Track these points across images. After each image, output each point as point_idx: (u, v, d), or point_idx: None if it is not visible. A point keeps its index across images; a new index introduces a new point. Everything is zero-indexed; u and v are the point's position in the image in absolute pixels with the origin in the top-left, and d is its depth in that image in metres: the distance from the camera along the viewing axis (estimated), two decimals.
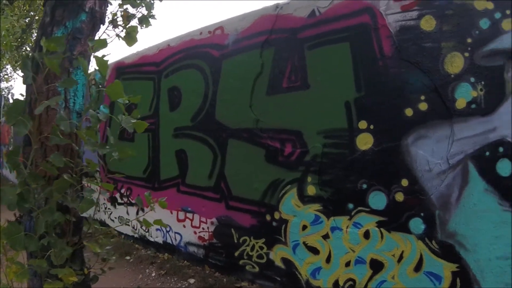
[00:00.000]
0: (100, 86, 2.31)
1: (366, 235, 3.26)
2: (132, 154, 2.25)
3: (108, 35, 2.96)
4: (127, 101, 2.22)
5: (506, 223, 2.78)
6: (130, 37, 2.84)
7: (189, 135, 4.84)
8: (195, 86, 4.75)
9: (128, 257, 5.39)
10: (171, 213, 5.09)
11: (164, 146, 5.32)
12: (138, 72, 5.94)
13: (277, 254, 3.88)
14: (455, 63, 2.89)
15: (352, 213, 3.31)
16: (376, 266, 3.22)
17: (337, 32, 3.43)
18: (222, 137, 4.39)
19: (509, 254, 2.79)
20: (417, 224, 3.01)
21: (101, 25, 2.69)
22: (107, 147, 2.24)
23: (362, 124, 3.25)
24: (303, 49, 3.63)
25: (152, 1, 3.07)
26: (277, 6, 3.91)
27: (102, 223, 6.46)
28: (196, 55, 4.80)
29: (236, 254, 4.26)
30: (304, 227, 3.64)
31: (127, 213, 6.11)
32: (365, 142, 3.23)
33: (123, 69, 6.29)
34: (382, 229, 3.17)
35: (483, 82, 2.82)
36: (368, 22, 3.25)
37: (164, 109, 5.30)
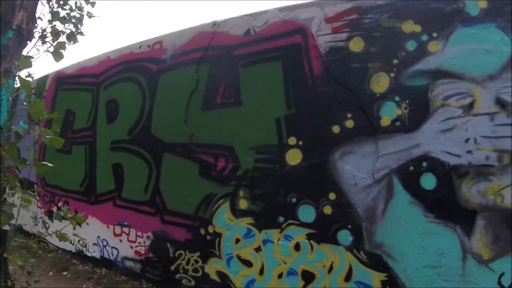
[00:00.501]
0: (25, 104, 2.24)
1: (297, 247, 3.29)
2: (48, 170, 2.17)
3: (37, 49, 2.90)
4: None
5: (432, 234, 2.93)
6: (57, 53, 2.78)
7: (125, 149, 4.73)
8: (132, 99, 4.66)
9: (65, 273, 5.16)
10: (108, 227, 4.93)
11: (101, 159, 5.16)
12: (77, 83, 5.75)
13: (212, 267, 3.84)
14: (381, 83, 3.01)
15: (283, 226, 3.35)
16: (308, 277, 3.26)
17: (270, 51, 3.50)
18: (158, 151, 4.32)
19: (436, 263, 2.93)
20: (345, 236, 3.09)
21: (28, 42, 2.62)
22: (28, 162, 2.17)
23: (292, 140, 3.30)
24: (237, 66, 3.66)
25: (81, 18, 3.02)
26: (214, 23, 3.92)
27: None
28: (135, 69, 4.71)
29: (172, 268, 4.18)
30: (237, 240, 3.62)
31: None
32: (294, 157, 3.28)
33: (63, 80, 6.06)
34: (311, 241, 3.23)
35: (407, 101, 2.95)
36: (300, 43, 3.33)
37: (102, 121, 5.15)
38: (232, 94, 3.66)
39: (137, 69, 4.66)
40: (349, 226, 3.07)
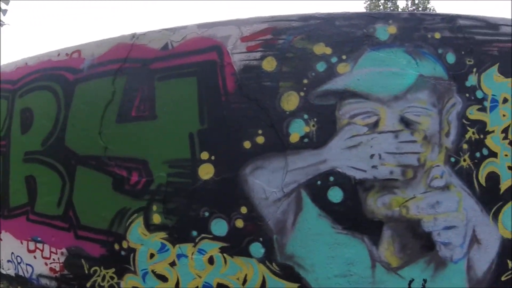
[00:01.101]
0: None
1: (211, 260, 3.26)
2: None
3: None
4: None
5: (340, 244, 3.04)
6: None
7: (38, 160, 4.45)
8: (47, 109, 4.40)
9: None
10: (22, 243, 4.61)
11: (14, 171, 4.82)
12: None
13: (128, 283, 3.69)
14: (290, 101, 3.09)
15: (196, 240, 3.30)
16: None
17: (186, 67, 3.46)
18: (71, 163, 4.10)
19: (346, 272, 3.03)
20: (257, 248, 3.11)
21: None
22: None
23: (204, 155, 3.27)
24: (153, 80, 3.57)
25: None
26: (133, 35, 3.81)
27: None
28: (52, 77, 4.45)
29: (88, 285, 3.97)
30: (152, 255, 3.52)
31: None
32: (206, 172, 3.25)
33: None
34: (225, 254, 3.21)
35: (315, 119, 3.05)
36: (216, 59, 3.32)
37: (16, 131, 4.81)
38: (147, 107, 3.57)
39: (54, 78, 4.41)
40: (261, 239, 3.09)
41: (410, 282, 3.09)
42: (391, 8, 23.64)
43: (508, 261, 3.39)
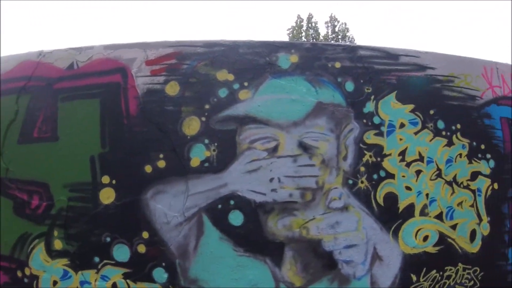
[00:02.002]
0: None
1: (114, 287, 3.19)
2: None
3: None
4: None
5: (243, 267, 3.08)
6: None
7: None
8: None
9: None
10: None
11: None
12: None
13: None
14: (192, 126, 3.11)
15: (99, 266, 3.22)
16: None
17: (90, 88, 3.39)
18: None
19: None
20: (160, 274, 3.08)
21: None
22: None
23: (105, 179, 3.20)
24: (56, 100, 3.47)
25: None
26: (40, 53, 3.70)
27: None
28: None
29: None
30: (55, 283, 3.39)
31: None
32: (107, 196, 3.19)
33: None
34: (128, 280, 3.14)
35: (216, 144, 3.09)
36: (120, 82, 3.29)
37: None
38: (49, 128, 3.47)
39: None
40: (164, 264, 3.07)
41: None
42: (313, 35, 24.56)
43: (412, 275, 3.56)
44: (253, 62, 3.28)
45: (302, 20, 25.94)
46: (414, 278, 3.58)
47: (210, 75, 3.21)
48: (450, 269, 3.80)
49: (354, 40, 25.81)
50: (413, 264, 3.59)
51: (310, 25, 26.04)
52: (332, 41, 25.27)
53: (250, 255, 3.11)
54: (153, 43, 3.33)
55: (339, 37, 26.12)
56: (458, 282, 3.85)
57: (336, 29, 26.34)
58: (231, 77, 3.21)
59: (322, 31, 26.60)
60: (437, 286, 3.72)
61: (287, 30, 26.21)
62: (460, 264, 3.86)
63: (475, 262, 3.96)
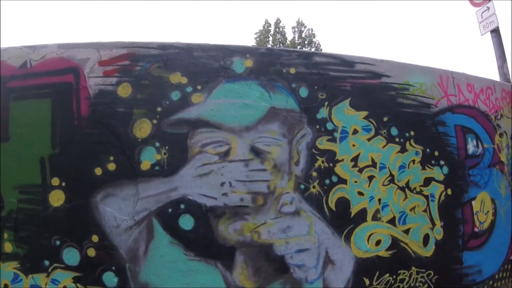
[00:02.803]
0: None
1: None
2: None
3: None
4: None
5: (194, 271, 3.05)
6: None
7: None
8: None
9: None
10: None
11: None
12: None
13: None
14: (143, 128, 3.08)
15: (49, 270, 3.14)
16: None
17: (42, 87, 3.30)
18: None
19: None
20: (110, 278, 3.03)
21: None
22: None
23: (55, 181, 3.13)
24: (8, 99, 3.38)
25: None
26: None
27: None
28: None
29: None
30: (6, 286, 3.31)
31: None
32: (57, 198, 3.11)
33: None
34: (78, 284, 3.08)
35: (167, 147, 3.06)
36: (72, 82, 3.21)
37: None
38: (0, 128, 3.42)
39: None
40: (114, 268, 3.02)
41: None
42: (280, 40, 24.78)
43: (365, 278, 3.61)
44: (207, 65, 3.26)
45: (269, 25, 26.14)
46: (367, 281, 3.63)
47: (163, 77, 3.12)
48: (404, 273, 3.86)
49: (320, 46, 26.21)
50: (366, 268, 3.63)
51: (277, 29, 26.26)
52: (299, 46, 25.48)
53: (201, 260, 3.08)
54: (107, 43, 3.19)
55: (306, 42, 26.44)
56: (412, 285, 3.92)
57: (303, 35, 26.63)
58: (184, 80, 3.18)
59: (289, 36, 26.90)
60: None
61: (255, 34, 26.40)
62: (413, 268, 3.92)
63: (428, 266, 4.03)
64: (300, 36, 26.78)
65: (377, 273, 3.70)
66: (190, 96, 3.17)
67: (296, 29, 26.79)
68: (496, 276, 4.92)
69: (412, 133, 4.01)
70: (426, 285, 4.02)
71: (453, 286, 4.32)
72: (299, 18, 26.73)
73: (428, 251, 4.04)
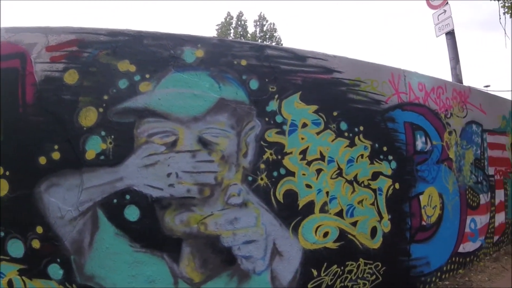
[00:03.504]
0: None
1: (10, 284, 2.99)
2: None
3: None
4: None
5: (140, 263, 3.00)
6: None
7: None
8: None
9: None
10: None
11: None
12: None
13: None
14: (89, 117, 2.99)
15: None
16: None
17: None
18: None
19: None
20: (55, 270, 2.93)
21: None
22: None
23: None
24: None
25: None
26: None
27: None
28: None
29: None
30: None
31: None
32: (1, 188, 2.98)
33: None
34: (23, 277, 2.97)
35: (113, 136, 3.00)
36: (18, 67, 3.06)
37: None
38: None
39: None
40: (59, 260, 2.92)
41: None
42: (241, 33, 24.89)
43: (313, 269, 3.68)
44: (157, 54, 3.21)
45: (232, 18, 26.16)
46: (315, 272, 3.71)
47: (111, 65, 3.05)
48: (351, 264, 3.96)
49: (281, 41, 26.47)
50: (313, 259, 3.71)
51: (239, 22, 26.29)
52: (259, 40, 25.57)
53: (147, 251, 3.05)
54: (55, 28, 3.07)
55: (267, 36, 26.63)
56: (360, 276, 4.02)
57: (264, 29, 26.81)
58: (132, 68, 3.13)
59: (251, 29, 27.03)
60: (338, 280, 3.86)
61: (216, 25, 26.37)
62: (361, 259, 4.03)
63: (376, 258, 4.15)
64: (261, 30, 26.93)
65: (325, 264, 3.78)
66: (138, 85, 3.11)
67: (258, 23, 26.89)
68: (444, 268, 5.12)
69: (361, 128, 4.10)
70: (374, 276, 4.13)
71: (401, 278, 4.46)
72: (261, 12, 26.88)
73: (375, 243, 4.15)
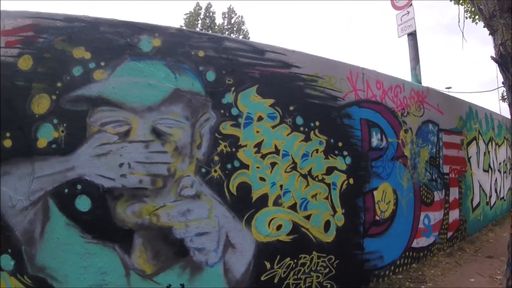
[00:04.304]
0: None
1: None
2: None
3: None
4: None
5: (91, 254, 2.98)
6: None
7: None
8: None
9: None
10: None
11: None
12: None
13: None
14: (41, 104, 2.95)
15: None
16: None
17: None
18: None
19: (101, 282, 3.00)
20: (6, 261, 2.86)
21: None
22: None
23: None
24: None
25: None
26: None
27: None
28: None
29: None
30: None
31: None
32: None
33: None
34: None
35: (65, 124, 2.97)
36: None
37: None
38: None
39: None
40: (10, 250, 2.85)
41: (168, 287, 3.23)
42: (209, 24, 24.88)
43: (266, 262, 3.77)
44: (113, 41, 3.21)
45: (200, 8, 26.07)
46: (268, 265, 3.80)
47: (66, 51, 3.02)
48: (305, 257, 4.07)
49: (248, 34, 26.59)
50: (267, 251, 3.79)
51: (208, 14, 26.23)
52: (227, 32, 25.59)
53: (99, 242, 3.03)
54: (12, 12, 3.00)
55: (234, 29, 26.68)
56: (313, 269, 4.14)
57: (232, 21, 26.86)
58: (88, 55, 3.10)
59: (219, 21, 27.02)
60: (292, 273, 3.97)
61: (184, 15, 26.18)
62: (314, 253, 4.15)
63: (330, 251, 4.28)
64: (229, 23, 26.93)
65: (278, 257, 3.88)
66: (93, 73, 3.09)
67: (226, 15, 26.87)
68: (398, 262, 5.32)
69: (317, 123, 4.22)
70: (327, 269, 4.26)
71: (354, 271, 4.61)
72: (230, 5, 26.89)
73: (329, 237, 4.28)
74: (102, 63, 3.13)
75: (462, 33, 4.90)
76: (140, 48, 3.28)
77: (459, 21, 7.32)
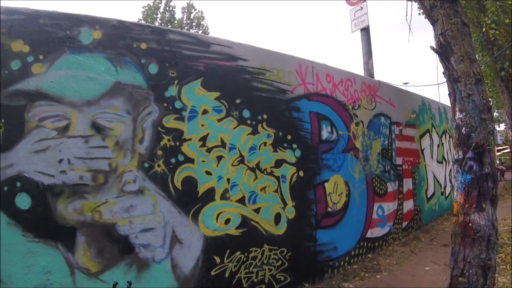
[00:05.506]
0: None
1: None
2: None
3: None
4: None
5: (34, 253, 2.93)
6: None
7: None
8: None
9: None
10: None
11: None
12: None
13: None
14: None
15: None
16: None
17: None
18: None
19: (45, 281, 2.94)
20: None
21: None
22: None
23: None
24: None
25: None
26: None
27: None
28: None
29: None
30: None
31: None
32: None
33: None
34: None
35: (3, 120, 2.89)
36: None
37: None
38: None
39: None
40: None
41: (114, 285, 3.20)
42: (168, 18, 24.73)
43: (216, 257, 3.80)
44: (52, 34, 3.14)
45: (160, 2, 25.80)
46: (218, 260, 3.83)
47: (5, 45, 2.93)
48: (256, 250, 4.13)
49: (208, 29, 26.51)
50: (215, 246, 3.83)
51: (167, 8, 25.98)
52: (186, 27, 25.44)
53: (41, 241, 2.97)
54: None
55: (194, 24, 26.55)
56: (265, 262, 4.20)
57: (192, 16, 26.74)
58: (26, 48, 3.03)
59: (178, 15, 26.82)
60: (243, 267, 4.02)
61: (142, 8, 25.81)
62: (265, 246, 4.22)
63: (281, 243, 4.36)
64: (188, 17, 26.73)
65: (228, 251, 3.92)
66: (31, 66, 3.02)
67: (186, 10, 26.66)
68: (352, 253, 5.48)
69: (265, 116, 4.28)
70: (280, 262, 4.33)
71: (308, 262, 4.71)
72: (190, 1, 26.68)
73: (280, 230, 4.36)
74: (41, 57, 3.07)
75: (409, 26, 4.98)
76: (80, 40, 3.24)
77: (406, 15, 7.49)
